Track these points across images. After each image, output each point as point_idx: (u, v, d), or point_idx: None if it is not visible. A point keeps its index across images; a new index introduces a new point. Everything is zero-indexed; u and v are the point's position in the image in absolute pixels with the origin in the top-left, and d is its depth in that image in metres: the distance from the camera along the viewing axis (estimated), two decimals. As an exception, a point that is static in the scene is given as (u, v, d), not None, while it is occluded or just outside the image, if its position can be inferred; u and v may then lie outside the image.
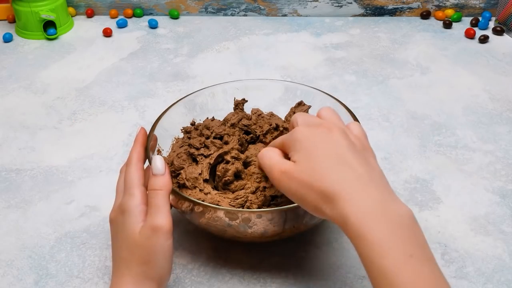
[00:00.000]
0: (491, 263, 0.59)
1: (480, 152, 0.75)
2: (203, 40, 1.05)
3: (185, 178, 0.59)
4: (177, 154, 0.63)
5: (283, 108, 0.69)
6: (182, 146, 0.64)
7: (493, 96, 0.86)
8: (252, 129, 0.65)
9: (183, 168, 0.60)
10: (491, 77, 0.91)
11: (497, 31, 1.03)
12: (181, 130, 0.67)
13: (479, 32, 1.04)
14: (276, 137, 0.65)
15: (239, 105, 0.68)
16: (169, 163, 0.62)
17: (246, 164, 0.62)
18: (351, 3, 1.11)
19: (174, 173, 0.61)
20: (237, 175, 0.60)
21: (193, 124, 0.68)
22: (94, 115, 0.85)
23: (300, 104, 0.67)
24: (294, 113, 0.67)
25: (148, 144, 0.58)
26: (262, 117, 0.67)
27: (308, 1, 1.11)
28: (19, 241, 0.63)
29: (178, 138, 0.67)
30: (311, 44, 1.03)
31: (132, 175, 0.52)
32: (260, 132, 0.65)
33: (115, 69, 0.97)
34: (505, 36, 1.03)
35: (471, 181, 0.70)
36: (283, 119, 0.68)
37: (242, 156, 0.62)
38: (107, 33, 1.07)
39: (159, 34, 1.08)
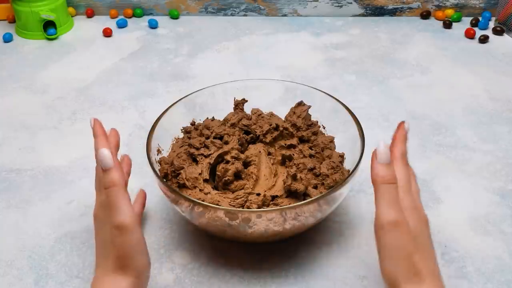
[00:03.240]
0: (491, 263, 0.59)
1: (480, 152, 0.75)
2: (203, 40, 1.05)
3: (185, 178, 0.59)
4: (177, 154, 0.63)
5: (283, 108, 0.69)
6: (182, 146, 0.64)
7: (493, 96, 0.86)
8: (252, 129, 0.65)
9: (183, 168, 0.60)
10: (491, 77, 0.91)
11: (497, 31, 1.03)
12: (181, 130, 0.67)
13: (479, 32, 1.04)
14: (276, 137, 0.65)
15: (239, 105, 0.68)
16: (169, 163, 0.62)
17: (246, 164, 0.62)
18: (351, 3, 1.11)
19: (174, 173, 0.61)
20: (237, 175, 0.60)
21: (193, 124, 0.68)
22: (94, 115, 0.84)
23: (300, 104, 0.67)
24: (294, 113, 0.67)
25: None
26: (262, 117, 0.67)
27: (308, 1, 1.11)
28: (19, 241, 0.63)
29: (178, 138, 0.67)
30: (311, 44, 1.03)
31: (99, 173, 0.51)
32: (260, 132, 0.65)
33: (115, 69, 0.97)
34: (505, 36, 1.03)
35: (471, 181, 0.70)
36: (283, 119, 0.68)
37: (242, 156, 0.62)
38: (107, 33, 1.07)
39: (159, 34, 1.08)
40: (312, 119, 0.68)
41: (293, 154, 0.63)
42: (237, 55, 1.00)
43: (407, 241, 0.44)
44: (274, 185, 0.60)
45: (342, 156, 0.64)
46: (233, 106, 0.69)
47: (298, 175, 0.58)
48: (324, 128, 0.68)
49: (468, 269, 0.58)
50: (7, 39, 1.06)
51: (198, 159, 0.62)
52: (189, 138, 0.64)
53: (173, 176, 0.61)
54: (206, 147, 0.62)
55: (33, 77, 0.95)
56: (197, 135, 0.64)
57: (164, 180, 0.60)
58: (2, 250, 0.62)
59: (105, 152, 0.48)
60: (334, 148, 0.66)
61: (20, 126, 0.83)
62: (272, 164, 0.63)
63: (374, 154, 0.46)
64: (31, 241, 0.63)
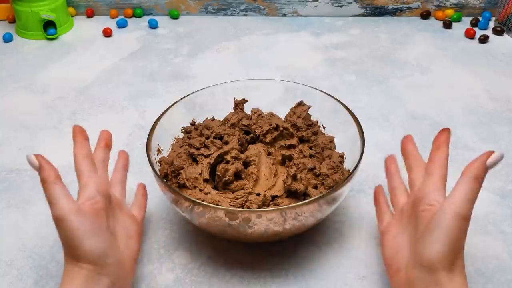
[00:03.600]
0: (491, 263, 0.59)
1: (480, 152, 0.74)
2: (203, 40, 1.05)
3: (185, 178, 0.59)
4: (177, 154, 0.63)
5: (283, 108, 0.69)
6: (182, 146, 0.64)
7: (493, 96, 0.86)
8: (252, 129, 0.65)
9: (183, 168, 0.60)
10: (491, 77, 0.91)
11: (497, 31, 1.03)
12: (181, 130, 0.67)
13: (479, 32, 1.04)
14: (276, 137, 0.65)
15: (239, 105, 0.68)
16: (169, 163, 0.62)
17: (246, 164, 0.62)
18: (351, 3, 1.11)
19: (174, 173, 0.61)
20: (237, 175, 0.60)
21: (193, 124, 0.68)
22: (94, 115, 0.85)
23: (300, 104, 0.67)
24: (294, 113, 0.67)
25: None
26: (262, 117, 0.67)
27: (308, 1, 1.11)
28: (19, 241, 0.63)
29: (178, 138, 0.67)
30: (311, 44, 1.03)
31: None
32: (260, 132, 0.65)
33: (115, 69, 0.97)
34: (505, 36, 1.03)
35: (471, 181, 0.70)
36: (283, 119, 0.68)
37: (242, 156, 0.62)
38: (107, 33, 1.07)
39: (159, 34, 1.08)
40: (312, 119, 0.68)
41: (293, 154, 0.63)
42: (237, 55, 1.00)
43: (465, 236, 0.49)
44: (274, 185, 0.60)
45: (342, 156, 0.64)
46: (233, 106, 0.69)
47: (298, 175, 0.58)
48: (324, 128, 0.68)
49: (468, 269, 0.58)
50: (7, 39, 1.06)
51: (198, 159, 0.62)
52: (189, 138, 0.64)
53: (173, 176, 0.61)
54: (206, 147, 0.62)
55: (33, 77, 0.95)
56: (197, 135, 0.64)
57: (164, 180, 0.60)
58: (2, 250, 0.62)
59: (29, 158, 0.51)
60: (334, 148, 0.66)
61: (20, 126, 0.83)
62: (272, 164, 0.63)
63: (488, 153, 0.50)
64: (31, 241, 0.63)
